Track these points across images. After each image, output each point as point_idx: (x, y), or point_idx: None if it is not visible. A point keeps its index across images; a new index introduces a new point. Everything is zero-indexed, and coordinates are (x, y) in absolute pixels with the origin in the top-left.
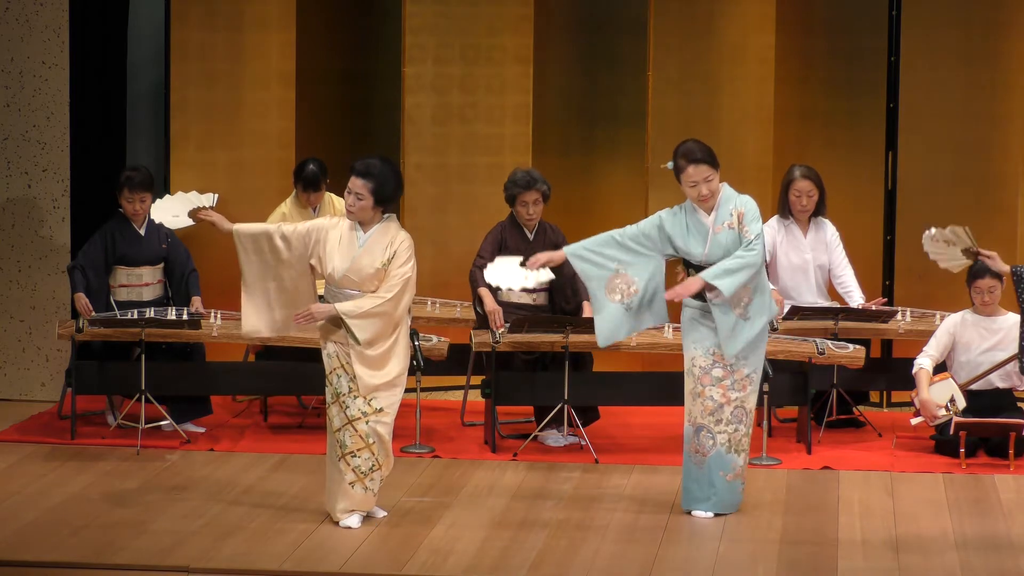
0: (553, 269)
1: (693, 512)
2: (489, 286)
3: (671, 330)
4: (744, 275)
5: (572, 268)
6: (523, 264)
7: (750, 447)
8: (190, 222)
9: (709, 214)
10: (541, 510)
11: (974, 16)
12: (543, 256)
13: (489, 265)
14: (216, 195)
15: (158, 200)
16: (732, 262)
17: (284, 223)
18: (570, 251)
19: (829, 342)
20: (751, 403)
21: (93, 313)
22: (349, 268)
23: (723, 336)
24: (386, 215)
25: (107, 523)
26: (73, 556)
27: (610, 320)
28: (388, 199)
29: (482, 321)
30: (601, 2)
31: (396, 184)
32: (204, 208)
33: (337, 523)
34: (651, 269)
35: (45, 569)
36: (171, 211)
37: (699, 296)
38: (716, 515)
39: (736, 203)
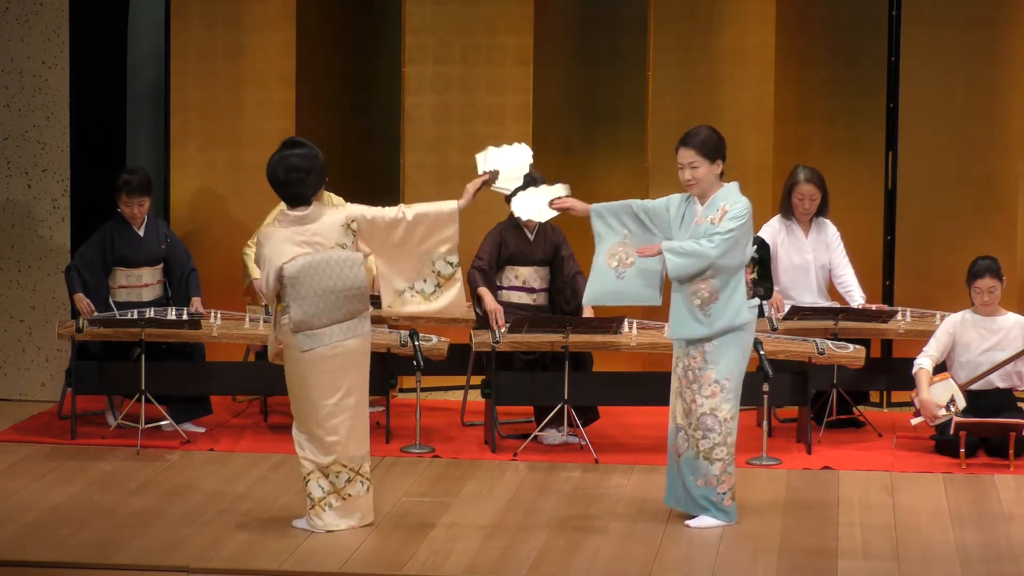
0: (553, 269)
1: (687, 523)
2: (488, 285)
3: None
4: (693, 263)
5: (572, 268)
6: (551, 204)
7: (753, 450)
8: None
9: (703, 205)
10: (541, 510)
11: (974, 16)
12: (570, 202)
13: (520, 193)
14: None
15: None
16: (689, 245)
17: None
18: (594, 208)
19: (829, 342)
20: (724, 412)
21: (95, 312)
22: None
23: (671, 316)
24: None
25: (107, 523)
26: (73, 556)
27: (599, 283)
28: (278, 192)
29: (482, 321)
30: (601, 2)
31: (274, 178)
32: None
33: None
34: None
35: (45, 569)
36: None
37: None
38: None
39: (729, 201)
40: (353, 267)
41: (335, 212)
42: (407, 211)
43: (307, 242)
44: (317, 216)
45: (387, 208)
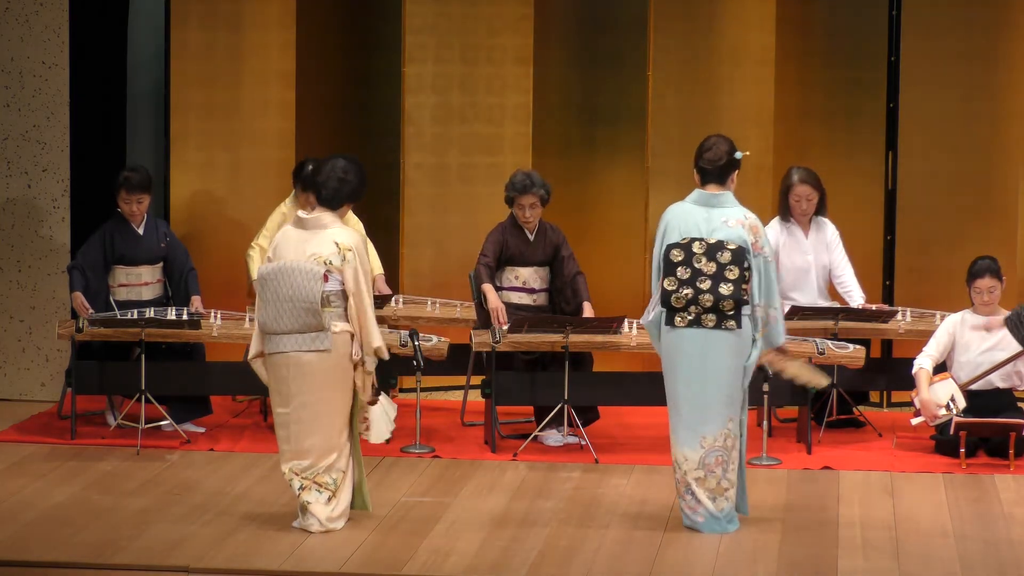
0: (553, 270)
1: None
2: (493, 283)
3: None
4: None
5: (572, 269)
6: None
7: (753, 450)
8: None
9: None
10: (541, 510)
11: (974, 17)
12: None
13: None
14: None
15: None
16: None
17: None
18: None
19: (829, 342)
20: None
21: (91, 311)
22: None
23: None
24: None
25: (107, 523)
26: (73, 556)
27: None
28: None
29: (485, 320)
30: (601, 2)
31: (319, 169)
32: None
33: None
34: None
35: (45, 569)
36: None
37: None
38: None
39: None
40: (311, 281)
41: (340, 230)
42: (364, 313)
43: (302, 248)
44: (322, 225)
45: (365, 289)
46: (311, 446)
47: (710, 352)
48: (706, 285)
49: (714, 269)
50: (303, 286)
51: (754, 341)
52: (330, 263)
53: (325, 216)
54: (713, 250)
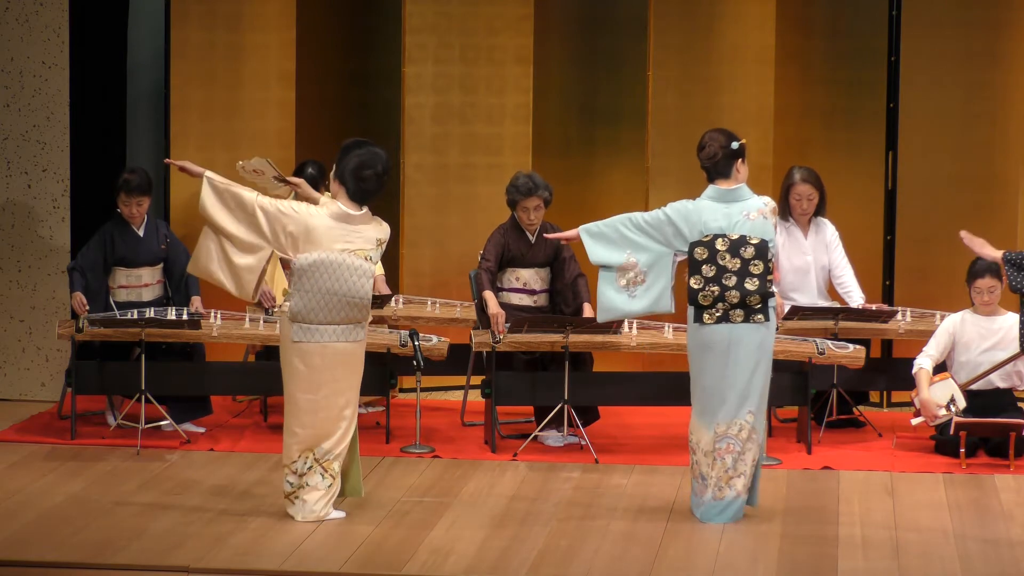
0: (554, 272)
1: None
2: (493, 288)
3: (671, 330)
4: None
5: (574, 271)
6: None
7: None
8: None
9: None
10: (541, 510)
11: (974, 16)
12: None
13: None
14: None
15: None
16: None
17: None
18: None
19: (829, 342)
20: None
21: (87, 309)
22: None
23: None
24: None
25: (107, 523)
26: (73, 556)
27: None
28: (354, 182)
29: (486, 322)
30: (601, 2)
31: (364, 166)
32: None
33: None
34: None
35: (45, 569)
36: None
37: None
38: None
39: None
40: (362, 277)
41: (378, 226)
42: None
43: (344, 239)
44: (366, 221)
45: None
46: (337, 431)
47: (736, 345)
48: (731, 282)
49: (738, 265)
50: (354, 282)
51: (777, 328)
52: (370, 258)
53: (367, 213)
54: (736, 246)
